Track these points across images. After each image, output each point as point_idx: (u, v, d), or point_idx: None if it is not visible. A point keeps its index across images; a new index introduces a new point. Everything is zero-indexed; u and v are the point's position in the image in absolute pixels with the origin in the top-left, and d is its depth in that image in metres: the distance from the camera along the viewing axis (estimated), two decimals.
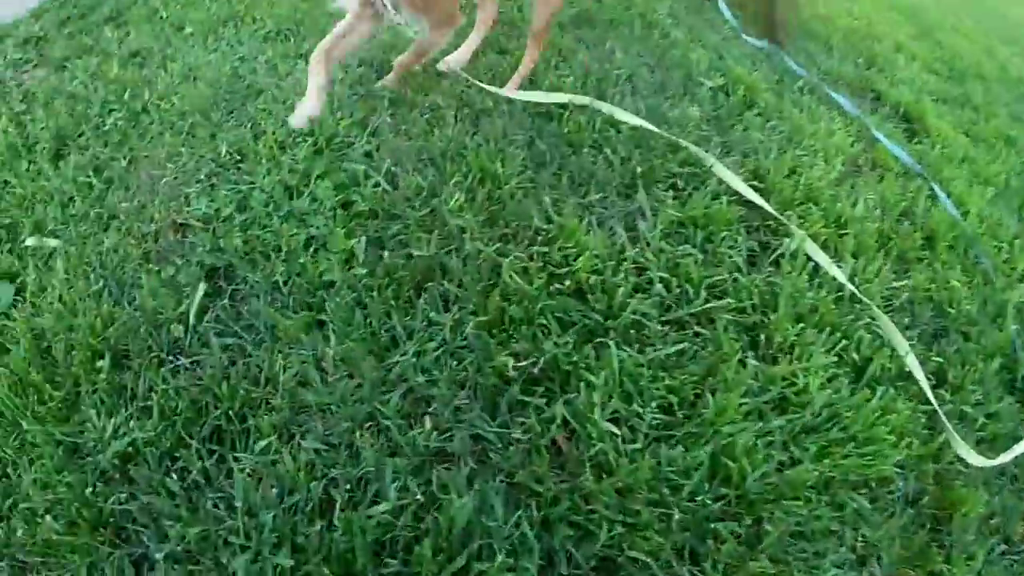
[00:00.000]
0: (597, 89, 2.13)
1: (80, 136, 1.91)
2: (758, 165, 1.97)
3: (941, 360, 1.67)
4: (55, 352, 1.30)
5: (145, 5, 2.70)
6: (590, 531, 1.09)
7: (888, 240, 1.91)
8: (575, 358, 1.29)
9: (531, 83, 2.11)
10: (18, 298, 1.47)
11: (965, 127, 3.14)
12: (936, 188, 2.29)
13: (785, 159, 2.01)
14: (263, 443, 1.13)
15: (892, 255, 1.86)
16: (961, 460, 1.48)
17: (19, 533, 1.08)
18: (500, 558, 1.01)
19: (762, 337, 1.47)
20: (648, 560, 1.07)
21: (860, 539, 1.25)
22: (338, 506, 1.06)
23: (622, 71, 2.28)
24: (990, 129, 3.23)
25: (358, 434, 1.14)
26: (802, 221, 1.77)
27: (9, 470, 1.18)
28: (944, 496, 1.42)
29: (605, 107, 1.93)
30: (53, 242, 1.57)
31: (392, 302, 1.34)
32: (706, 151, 1.87)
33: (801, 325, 1.49)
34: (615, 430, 1.19)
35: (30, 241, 1.58)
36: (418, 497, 1.07)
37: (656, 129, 1.86)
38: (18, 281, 1.51)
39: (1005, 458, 1.58)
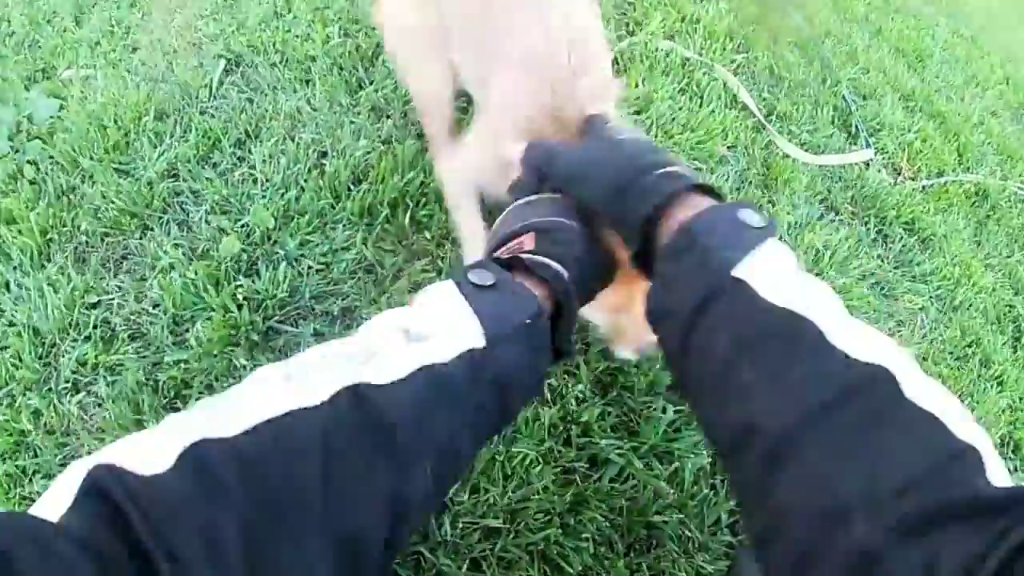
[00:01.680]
0: None
1: (95, 6, 2.36)
2: None
3: (774, 101, 2.24)
4: (106, 119, 1.77)
5: None
6: None
7: (736, 34, 2.46)
8: None
9: None
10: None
11: None
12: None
13: None
14: (273, 139, 1.64)
15: (735, 42, 2.41)
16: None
17: (83, 226, 1.53)
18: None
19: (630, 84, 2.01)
20: None
21: None
22: (328, 158, 1.58)
23: None
24: None
25: (338, 130, 1.66)
26: (663, 20, 2.31)
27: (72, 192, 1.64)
28: (769, 173, 1.98)
29: None
30: (88, 72, 2.03)
31: (359, 62, 1.85)
32: None
33: (652, 71, 2.05)
34: None
35: (66, 74, 2.04)
36: (376, 143, 1.59)
37: None
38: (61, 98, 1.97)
39: (830, 159, 2.15)
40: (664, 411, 1.34)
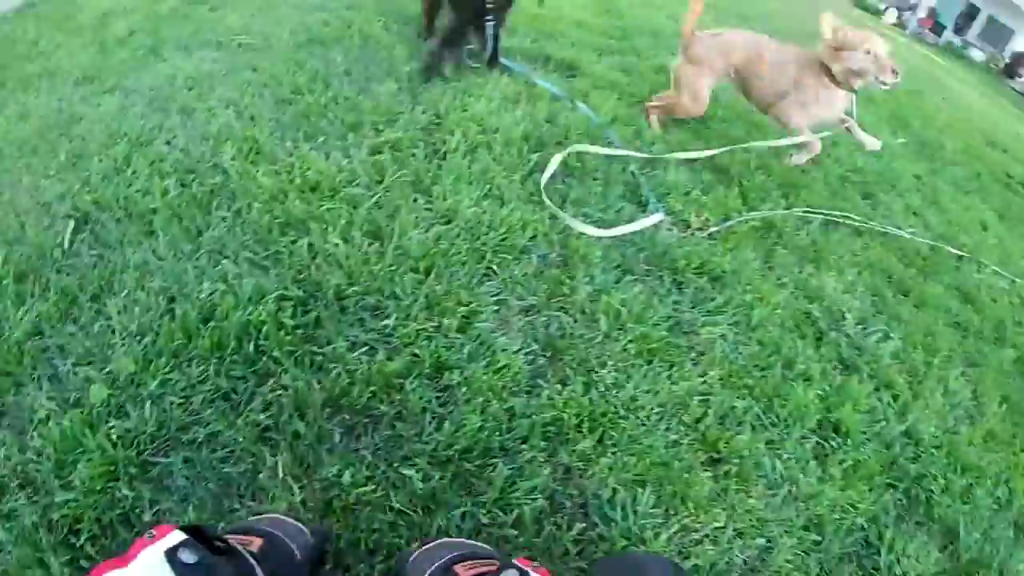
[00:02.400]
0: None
1: None
2: (438, 108, 2.91)
3: (568, 190, 2.67)
4: None
5: None
6: None
7: (531, 136, 2.90)
8: None
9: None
10: None
11: (623, 67, 4.31)
12: (577, 103, 3.35)
13: (456, 102, 2.98)
14: (125, 291, 1.88)
15: (531, 143, 2.84)
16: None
17: None
18: None
19: (430, 188, 2.37)
20: None
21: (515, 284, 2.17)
22: (177, 303, 1.84)
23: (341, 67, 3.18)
24: (645, 65, 4.45)
25: (183, 275, 1.92)
26: (464, 131, 2.71)
27: None
28: (568, 252, 2.37)
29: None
30: None
31: (196, 210, 2.13)
32: (400, 102, 2.80)
33: (458, 183, 2.43)
34: None
35: None
36: (218, 284, 1.86)
37: None
38: None
39: (623, 229, 2.57)
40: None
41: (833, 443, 2.17)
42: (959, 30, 32.69)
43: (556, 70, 3.89)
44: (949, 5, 33.17)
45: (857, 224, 3.65)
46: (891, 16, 30.40)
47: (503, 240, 2.25)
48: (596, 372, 1.98)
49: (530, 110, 3.15)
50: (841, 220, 3.57)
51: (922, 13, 30.74)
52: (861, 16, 23.96)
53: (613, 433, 1.84)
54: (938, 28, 31.35)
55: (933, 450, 2.39)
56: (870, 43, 3.16)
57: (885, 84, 3.19)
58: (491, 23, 3.16)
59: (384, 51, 3.45)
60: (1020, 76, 31.06)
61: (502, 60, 3.66)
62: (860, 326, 2.78)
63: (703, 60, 3.38)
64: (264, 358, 1.75)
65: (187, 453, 1.57)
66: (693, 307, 2.41)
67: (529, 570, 0.95)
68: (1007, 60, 31.35)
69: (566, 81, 3.75)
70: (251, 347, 1.75)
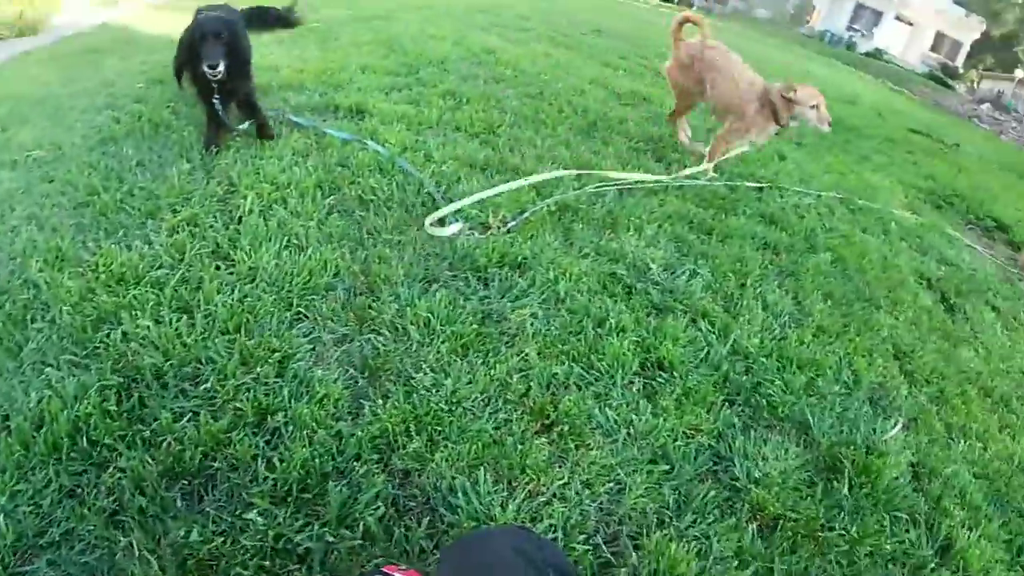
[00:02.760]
0: None
1: None
2: (231, 177, 3.10)
3: (366, 222, 2.91)
4: None
5: None
6: None
7: (324, 182, 3.13)
8: None
9: None
10: None
11: (410, 99, 4.62)
12: (368, 142, 3.61)
13: (248, 167, 3.18)
14: None
15: (325, 189, 3.08)
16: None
17: None
18: None
19: (230, 253, 2.56)
20: None
21: (325, 320, 2.38)
22: (11, 419, 1.94)
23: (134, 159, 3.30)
24: (432, 92, 4.79)
25: (11, 392, 2.03)
26: (258, 192, 2.91)
27: None
28: (369, 279, 2.59)
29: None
30: None
31: (13, 328, 2.22)
32: (194, 180, 2.97)
33: (256, 241, 2.62)
34: None
35: None
36: (44, 391, 1.99)
37: None
38: None
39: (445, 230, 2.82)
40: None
41: (660, 380, 2.46)
42: None
43: (345, 116, 4.13)
44: None
45: (651, 185, 4.09)
46: None
47: (307, 283, 2.46)
48: (414, 378, 2.20)
49: (321, 158, 3.38)
50: (634, 185, 3.98)
51: None
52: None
53: (440, 428, 2.05)
54: None
55: (763, 359, 2.73)
56: (817, 100, 4.09)
57: (820, 130, 4.21)
58: (217, 98, 3.30)
59: (175, 135, 3.57)
60: (807, 21, 34.25)
61: (292, 118, 3.87)
62: (667, 272, 3.13)
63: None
64: (98, 448, 1.87)
65: (49, 555, 1.67)
66: (501, 297, 2.67)
67: (396, 573, 1.11)
68: (791, 12, 34.56)
69: (355, 124, 3.99)
70: (84, 441, 1.87)
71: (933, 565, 2.15)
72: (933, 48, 38.11)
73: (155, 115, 3.82)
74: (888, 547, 2.13)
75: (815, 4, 35.12)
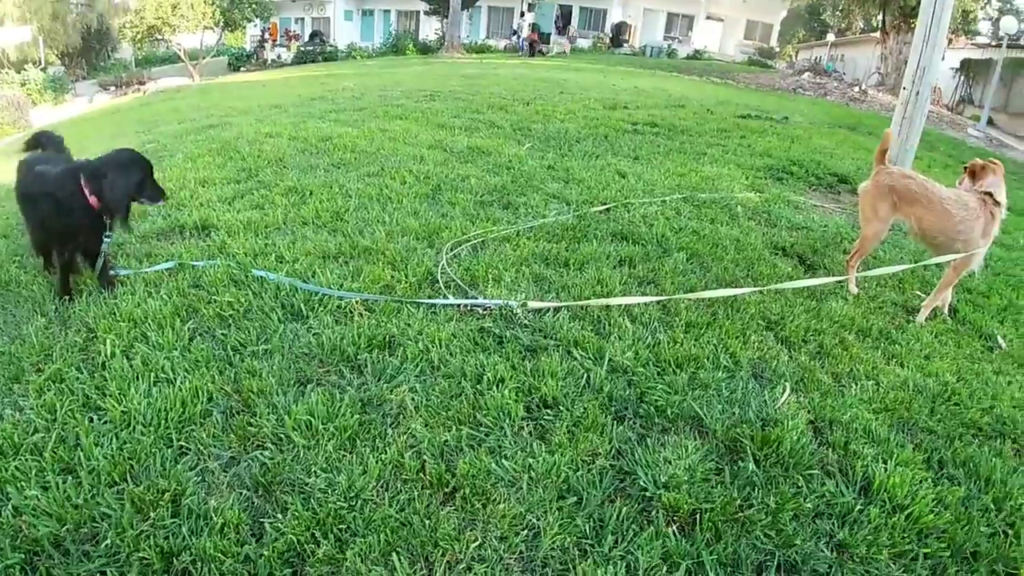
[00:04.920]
0: None
1: None
2: (86, 320, 3.01)
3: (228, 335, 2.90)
4: None
5: None
6: None
7: (180, 308, 3.10)
8: None
9: None
10: None
11: (255, 204, 4.62)
12: (213, 262, 3.59)
13: (103, 309, 3.11)
14: None
15: (183, 314, 3.05)
16: None
17: None
18: None
19: (100, 402, 2.49)
20: None
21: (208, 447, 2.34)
22: None
23: None
24: (276, 192, 4.81)
25: None
26: (116, 333, 2.85)
27: None
28: (244, 393, 2.57)
29: None
30: None
31: None
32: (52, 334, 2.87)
33: (124, 383, 2.57)
34: None
35: None
36: None
37: None
38: None
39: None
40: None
41: (548, 417, 2.52)
42: (562, 30, 37.37)
43: (191, 235, 4.08)
44: (544, 17, 38.02)
45: (497, 235, 4.23)
46: (502, 44, 34.44)
47: (182, 415, 2.40)
48: (307, 484, 2.18)
49: (175, 283, 3.33)
50: (484, 238, 4.11)
51: (526, 32, 34.72)
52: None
53: (345, 526, 2.04)
54: (544, 37, 35.60)
55: (641, 368, 2.84)
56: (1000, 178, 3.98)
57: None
58: (64, 249, 3.25)
59: (26, 290, 3.42)
60: (626, 41, 36.24)
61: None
62: (532, 313, 3.23)
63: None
64: None
65: None
66: (377, 380, 2.69)
67: None
68: (610, 35, 36.58)
69: (203, 240, 3.95)
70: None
71: (860, 506, 2.25)
72: (747, 36, 40.97)
73: (2, 273, 3.64)
74: (809, 505, 2.23)
75: (629, 23, 37.25)
